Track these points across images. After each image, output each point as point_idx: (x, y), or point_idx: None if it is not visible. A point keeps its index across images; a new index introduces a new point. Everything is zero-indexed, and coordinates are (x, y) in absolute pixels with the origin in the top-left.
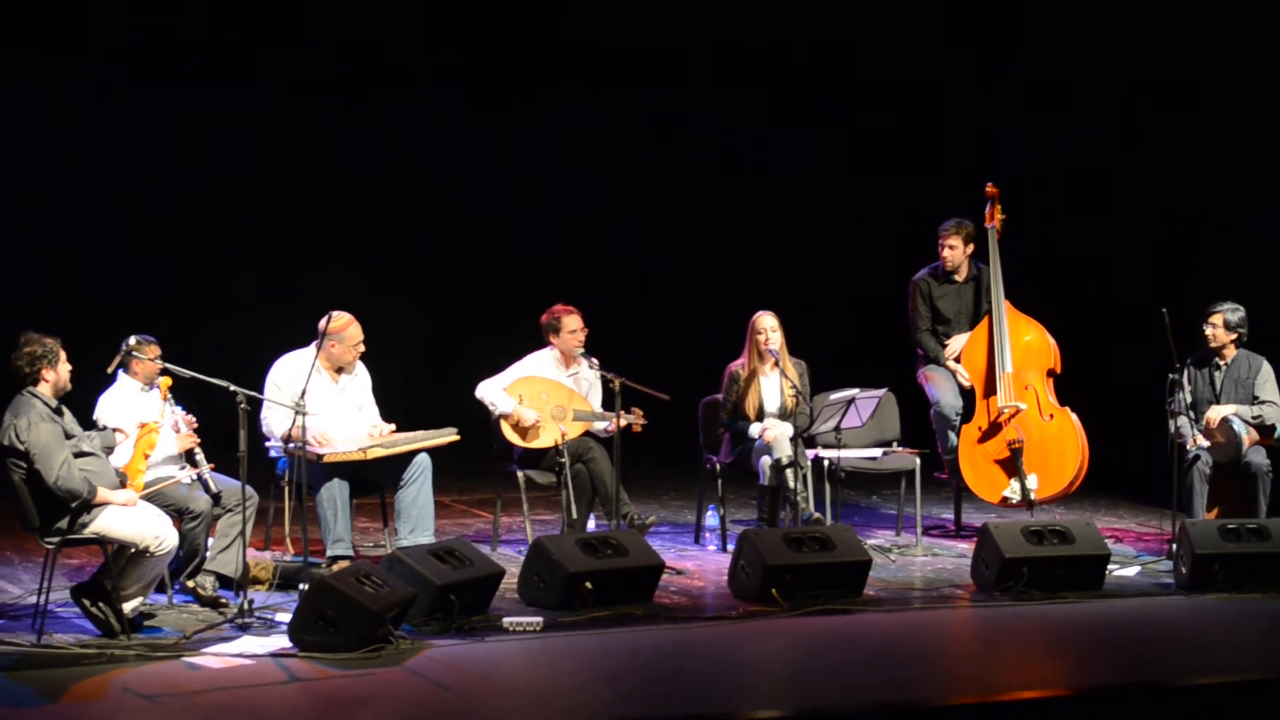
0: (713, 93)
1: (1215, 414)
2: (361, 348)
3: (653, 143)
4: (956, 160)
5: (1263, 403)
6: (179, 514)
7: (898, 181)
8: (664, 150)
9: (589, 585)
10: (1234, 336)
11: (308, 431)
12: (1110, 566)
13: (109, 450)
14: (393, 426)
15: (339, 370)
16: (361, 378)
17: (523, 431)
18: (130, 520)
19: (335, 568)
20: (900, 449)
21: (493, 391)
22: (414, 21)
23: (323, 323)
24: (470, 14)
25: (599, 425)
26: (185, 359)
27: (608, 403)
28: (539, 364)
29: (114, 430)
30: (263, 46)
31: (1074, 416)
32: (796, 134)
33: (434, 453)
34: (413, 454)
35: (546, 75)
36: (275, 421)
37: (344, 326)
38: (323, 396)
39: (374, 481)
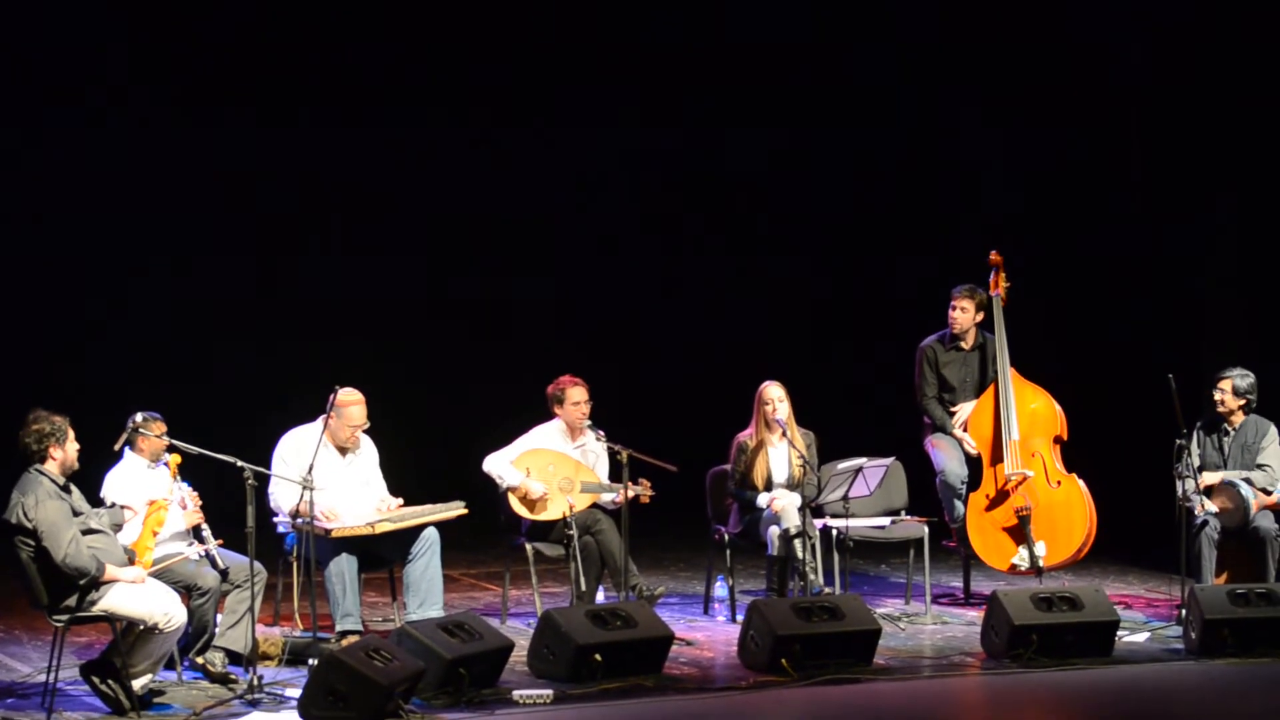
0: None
1: (1209, 479)
2: (364, 426)
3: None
4: (961, 229)
5: (1262, 466)
6: (187, 590)
7: (904, 250)
8: (657, 219)
9: (599, 657)
10: (1243, 402)
11: (315, 506)
12: (1120, 633)
13: (117, 528)
14: (400, 501)
15: (343, 448)
16: (368, 452)
17: (530, 504)
18: (139, 597)
19: (344, 642)
20: (908, 517)
21: (500, 464)
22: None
23: (331, 397)
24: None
25: (606, 497)
26: (188, 434)
27: (615, 474)
28: (545, 436)
29: (122, 508)
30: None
31: (1081, 483)
32: (802, 201)
33: (442, 526)
34: (421, 528)
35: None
36: (283, 497)
37: (346, 405)
38: (330, 471)
39: (382, 556)
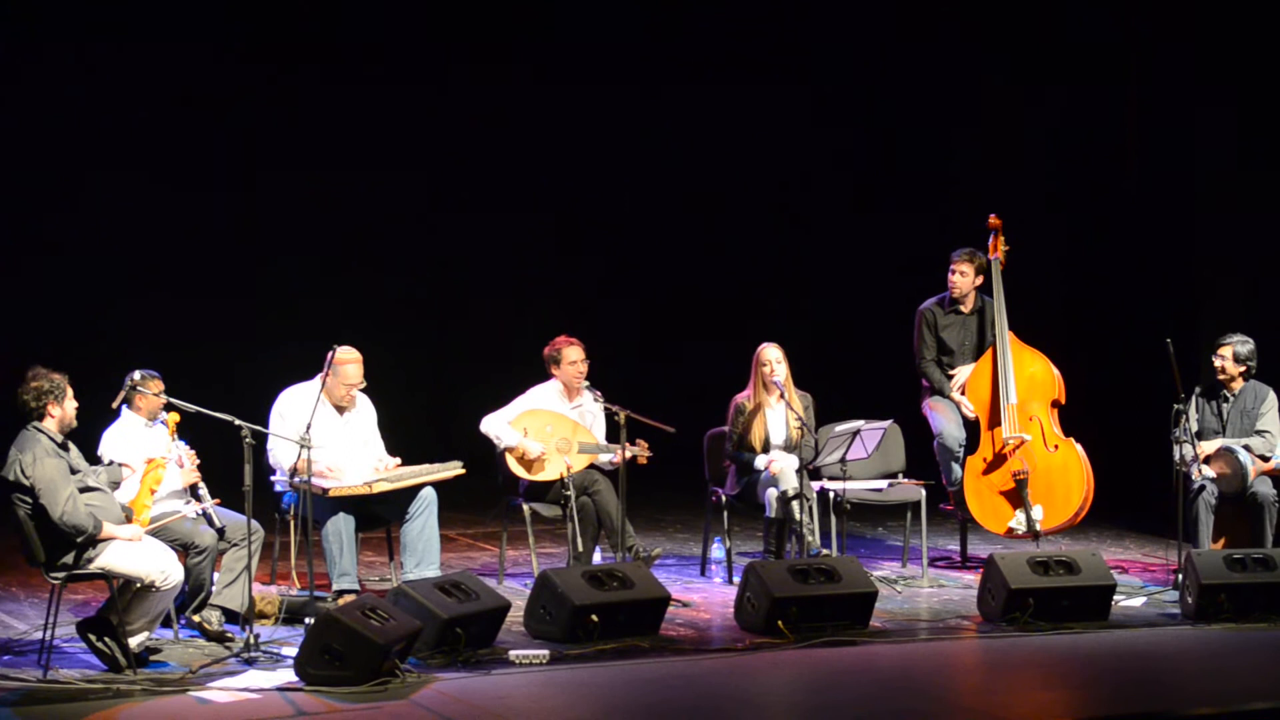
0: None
1: (1206, 448)
2: (360, 385)
3: (650, 172)
4: (961, 191)
5: (1261, 432)
6: (184, 549)
7: (903, 213)
8: (661, 183)
9: (595, 618)
10: (1243, 369)
11: (320, 464)
12: (1116, 597)
13: (115, 486)
14: (398, 460)
15: (340, 406)
16: (366, 411)
17: (528, 464)
18: (136, 555)
19: (341, 601)
20: (906, 480)
21: (497, 425)
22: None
23: (329, 355)
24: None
25: (604, 458)
26: (189, 392)
27: (612, 435)
28: (543, 397)
29: (120, 465)
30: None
31: (1079, 447)
32: (804, 164)
33: (439, 486)
34: (418, 488)
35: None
36: (281, 454)
37: (343, 363)
38: (327, 430)
39: (379, 515)
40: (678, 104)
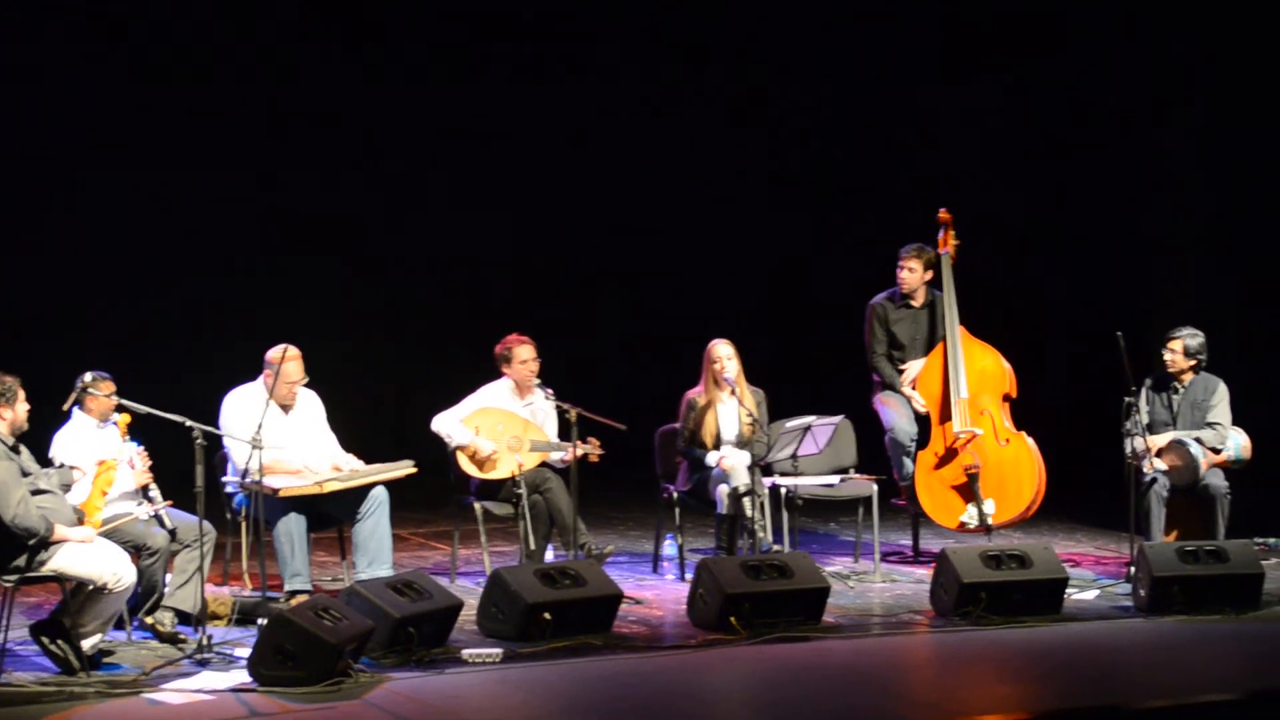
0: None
1: (1158, 441)
2: (302, 382)
3: (607, 172)
4: (911, 186)
5: (1212, 425)
6: (137, 550)
7: (854, 208)
8: (614, 179)
9: (548, 616)
10: (1193, 362)
11: (293, 463)
12: (1069, 590)
13: (66, 488)
14: (353, 456)
15: (284, 404)
16: (314, 408)
17: (479, 463)
18: (88, 557)
19: (294, 602)
20: (857, 475)
21: (449, 423)
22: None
23: (268, 356)
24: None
25: (555, 455)
26: (139, 394)
27: (563, 433)
28: (494, 395)
29: (71, 468)
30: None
31: (1030, 441)
32: (754, 159)
33: (391, 485)
34: (369, 487)
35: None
36: (236, 457)
37: (285, 362)
38: (277, 429)
39: (331, 515)
40: (617, 102)
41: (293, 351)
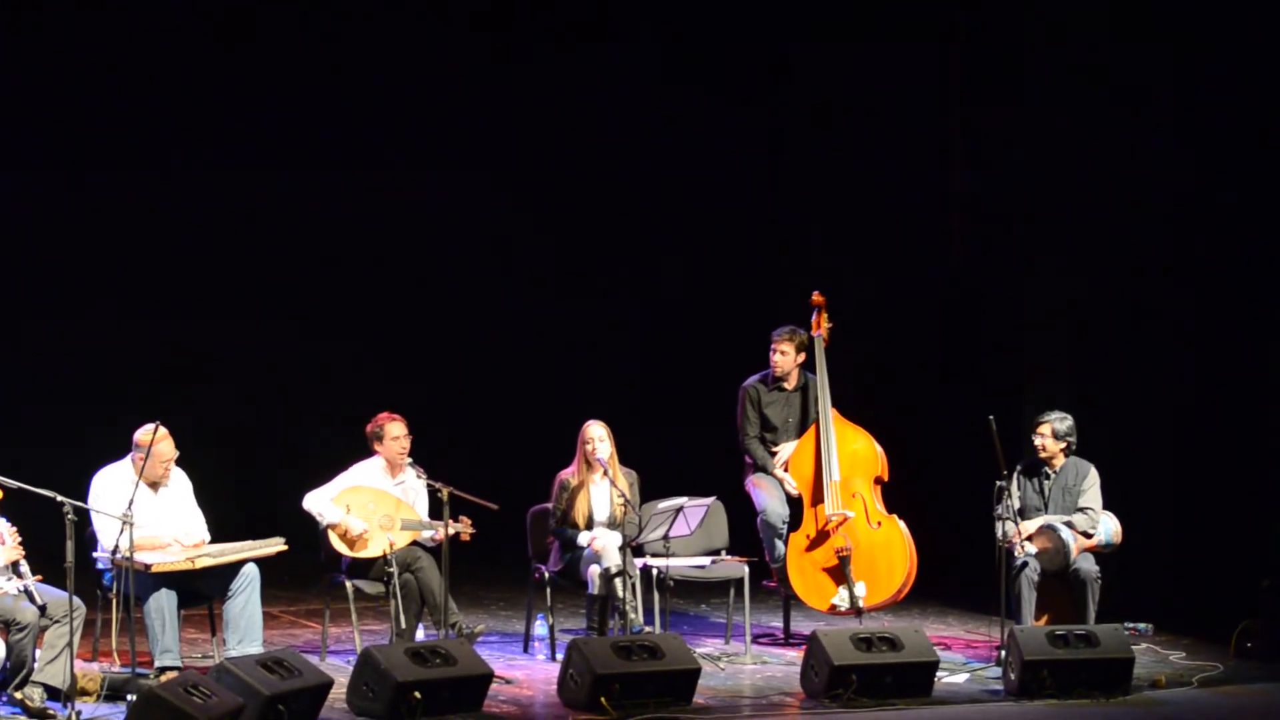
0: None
1: (1029, 527)
2: (174, 459)
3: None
4: (786, 267)
5: (1083, 509)
6: (5, 625)
7: (728, 291)
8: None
9: (418, 695)
10: (1063, 446)
11: (165, 538)
12: (939, 673)
13: None
14: (207, 537)
15: (154, 482)
16: (181, 485)
17: (350, 541)
18: None
19: (163, 678)
20: (729, 557)
21: (320, 502)
22: None
23: (138, 436)
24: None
25: (426, 534)
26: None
27: (435, 511)
28: (366, 473)
29: None
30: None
31: (902, 524)
32: (631, 243)
33: (262, 562)
34: (240, 564)
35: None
36: (105, 534)
37: (157, 442)
38: (146, 507)
39: (202, 592)
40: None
41: (162, 431)
